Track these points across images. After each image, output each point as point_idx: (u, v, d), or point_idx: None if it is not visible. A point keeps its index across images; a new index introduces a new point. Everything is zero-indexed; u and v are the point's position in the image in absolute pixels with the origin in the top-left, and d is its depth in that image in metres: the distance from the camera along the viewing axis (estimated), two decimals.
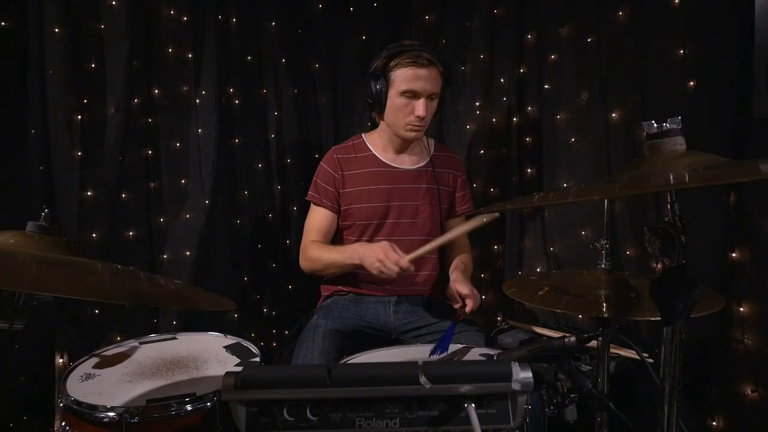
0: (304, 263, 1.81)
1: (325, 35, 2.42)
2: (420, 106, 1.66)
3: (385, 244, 1.53)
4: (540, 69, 2.24)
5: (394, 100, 1.68)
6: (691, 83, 1.75)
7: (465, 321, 1.68)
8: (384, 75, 1.68)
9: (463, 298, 1.58)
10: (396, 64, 1.66)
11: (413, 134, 1.74)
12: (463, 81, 2.37)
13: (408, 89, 1.65)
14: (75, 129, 1.93)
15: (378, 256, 1.50)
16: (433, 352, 1.37)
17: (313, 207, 1.84)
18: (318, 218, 1.81)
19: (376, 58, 1.71)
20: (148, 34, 2.09)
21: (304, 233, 1.84)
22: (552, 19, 2.18)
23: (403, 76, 1.65)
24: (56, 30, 1.86)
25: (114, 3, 1.98)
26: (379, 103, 1.71)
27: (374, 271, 1.52)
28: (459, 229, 1.58)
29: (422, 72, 1.64)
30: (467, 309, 1.57)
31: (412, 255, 1.51)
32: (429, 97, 1.68)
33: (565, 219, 2.19)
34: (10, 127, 1.84)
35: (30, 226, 1.09)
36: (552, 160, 2.22)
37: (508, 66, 2.31)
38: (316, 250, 1.76)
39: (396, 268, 1.49)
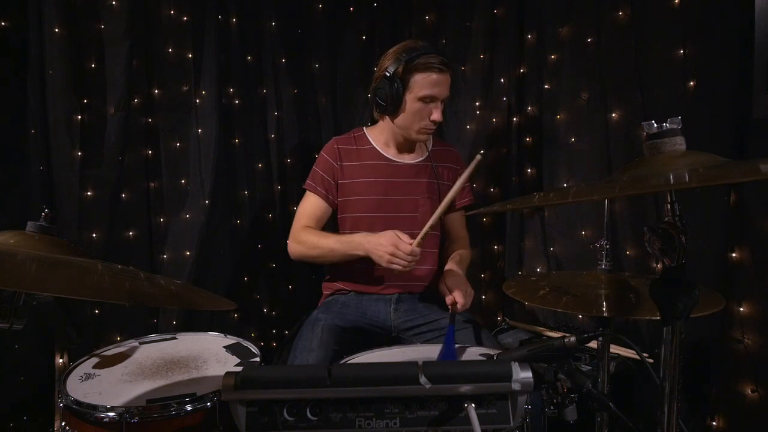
0: (294, 246, 1.77)
1: (325, 35, 2.42)
2: (437, 111, 1.67)
3: (391, 234, 1.52)
4: (540, 69, 2.24)
5: (411, 104, 1.68)
6: (691, 83, 1.75)
7: (465, 320, 1.68)
8: (402, 79, 1.66)
9: (452, 292, 1.58)
10: (415, 69, 1.64)
11: (425, 137, 1.76)
12: (463, 81, 2.37)
13: (427, 95, 1.65)
14: (75, 129, 1.92)
15: (388, 249, 1.50)
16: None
17: (307, 194, 1.82)
18: (311, 204, 1.80)
19: (390, 60, 1.67)
20: (148, 34, 2.09)
21: (295, 218, 1.82)
22: (552, 19, 2.18)
23: (422, 82, 1.64)
24: (56, 30, 1.86)
25: (114, 3, 1.98)
26: (393, 106, 1.70)
27: (384, 264, 1.52)
28: (455, 186, 1.52)
29: (440, 77, 1.65)
30: (458, 304, 1.56)
31: (417, 239, 1.52)
32: (443, 101, 1.70)
33: (565, 219, 2.19)
34: (10, 127, 1.84)
35: (30, 226, 1.09)
36: (552, 160, 2.22)
37: (508, 66, 2.31)
38: (310, 235, 1.73)
39: (409, 259, 1.49)
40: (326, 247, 1.70)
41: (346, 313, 1.71)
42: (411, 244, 1.51)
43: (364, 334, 1.66)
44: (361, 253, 1.59)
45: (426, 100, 1.66)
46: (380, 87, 1.69)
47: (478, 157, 1.47)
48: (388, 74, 1.66)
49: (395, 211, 1.78)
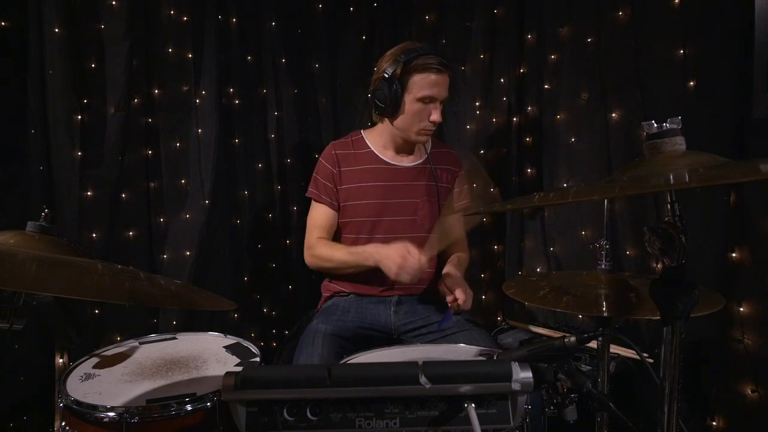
0: (311, 260, 1.80)
1: (325, 35, 2.42)
2: (436, 112, 1.68)
3: (401, 247, 1.54)
4: (540, 69, 2.24)
5: (410, 105, 1.68)
6: (691, 83, 1.75)
7: (465, 320, 1.67)
8: (400, 80, 1.65)
9: (452, 292, 1.59)
10: (413, 70, 1.64)
11: (424, 138, 1.76)
12: (463, 81, 2.37)
13: (426, 95, 1.65)
14: (75, 129, 1.92)
15: (397, 261, 1.52)
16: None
17: (314, 204, 1.84)
18: (320, 215, 1.81)
19: (389, 62, 1.67)
20: (148, 34, 2.09)
21: (307, 229, 1.84)
22: (552, 19, 2.18)
23: (421, 82, 1.64)
24: (56, 30, 1.86)
25: (114, 3, 1.98)
26: (392, 108, 1.70)
27: (393, 276, 1.54)
28: (460, 229, 1.57)
29: (439, 78, 1.65)
30: (459, 300, 1.56)
31: (428, 254, 1.53)
32: (442, 102, 1.70)
33: (565, 219, 2.19)
34: (10, 127, 1.84)
35: (30, 226, 1.09)
36: (552, 160, 2.22)
37: (508, 66, 2.31)
38: (325, 249, 1.76)
39: (418, 272, 1.51)
40: (339, 260, 1.73)
41: (345, 320, 1.71)
42: (420, 258, 1.52)
43: (364, 340, 1.65)
44: (371, 263, 1.61)
45: (425, 100, 1.66)
46: (379, 89, 1.69)
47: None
48: (386, 76, 1.66)
49: (394, 214, 1.78)
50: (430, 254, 1.56)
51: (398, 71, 1.64)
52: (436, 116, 1.68)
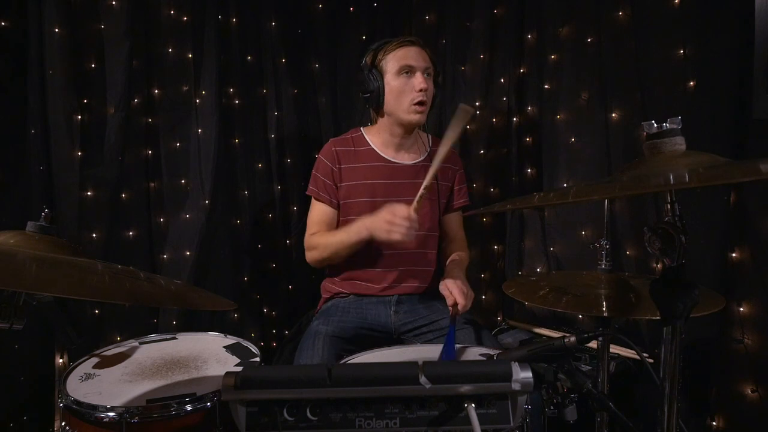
0: (310, 254, 1.78)
1: (325, 35, 2.42)
2: (419, 79, 1.69)
3: (386, 207, 1.51)
4: (540, 69, 2.24)
5: (392, 84, 1.71)
6: (691, 83, 1.75)
7: (465, 320, 1.67)
8: (375, 67, 1.73)
9: (452, 293, 1.58)
10: (386, 51, 1.72)
11: (417, 116, 1.72)
12: (463, 81, 2.37)
13: (403, 65, 1.69)
14: (75, 129, 1.93)
15: (386, 218, 1.48)
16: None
17: (313, 201, 1.83)
18: (319, 212, 1.80)
19: (365, 56, 1.78)
20: (148, 34, 2.10)
21: (306, 228, 1.83)
22: (552, 19, 2.18)
23: (395, 57, 1.70)
24: (56, 30, 1.86)
25: (114, 3, 1.98)
26: (377, 95, 1.72)
27: (385, 236, 1.49)
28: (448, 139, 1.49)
29: (412, 49, 1.71)
30: (459, 306, 1.54)
31: (413, 204, 1.47)
32: (425, 72, 1.70)
33: (565, 219, 2.19)
34: (10, 127, 1.84)
35: (30, 226, 1.09)
36: (552, 160, 2.22)
37: (508, 66, 2.31)
38: (320, 238, 1.75)
39: (407, 223, 1.46)
40: (336, 242, 1.69)
41: (346, 320, 1.70)
42: (407, 210, 1.47)
43: (365, 341, 1.64)
44: (365, 233, 1.58)
45: (404, 71, 1.69)
46: (361, 81, 1.76)
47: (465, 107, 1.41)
48: (363, 64, 1.75)
49: None
50: (418, 200, 1.47)
51: (372, 58, 1.74)
52: (420, 83, 1.68)
